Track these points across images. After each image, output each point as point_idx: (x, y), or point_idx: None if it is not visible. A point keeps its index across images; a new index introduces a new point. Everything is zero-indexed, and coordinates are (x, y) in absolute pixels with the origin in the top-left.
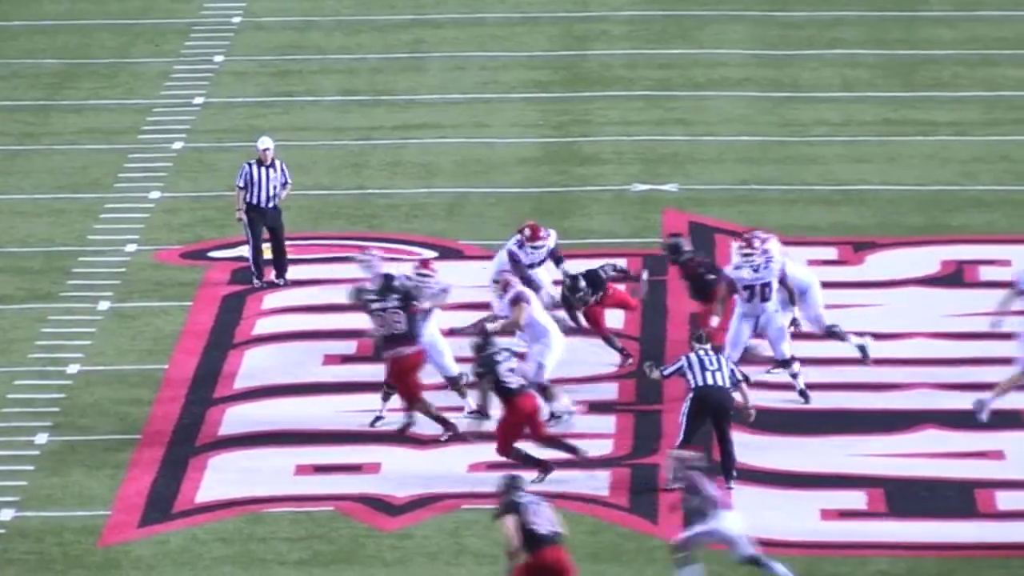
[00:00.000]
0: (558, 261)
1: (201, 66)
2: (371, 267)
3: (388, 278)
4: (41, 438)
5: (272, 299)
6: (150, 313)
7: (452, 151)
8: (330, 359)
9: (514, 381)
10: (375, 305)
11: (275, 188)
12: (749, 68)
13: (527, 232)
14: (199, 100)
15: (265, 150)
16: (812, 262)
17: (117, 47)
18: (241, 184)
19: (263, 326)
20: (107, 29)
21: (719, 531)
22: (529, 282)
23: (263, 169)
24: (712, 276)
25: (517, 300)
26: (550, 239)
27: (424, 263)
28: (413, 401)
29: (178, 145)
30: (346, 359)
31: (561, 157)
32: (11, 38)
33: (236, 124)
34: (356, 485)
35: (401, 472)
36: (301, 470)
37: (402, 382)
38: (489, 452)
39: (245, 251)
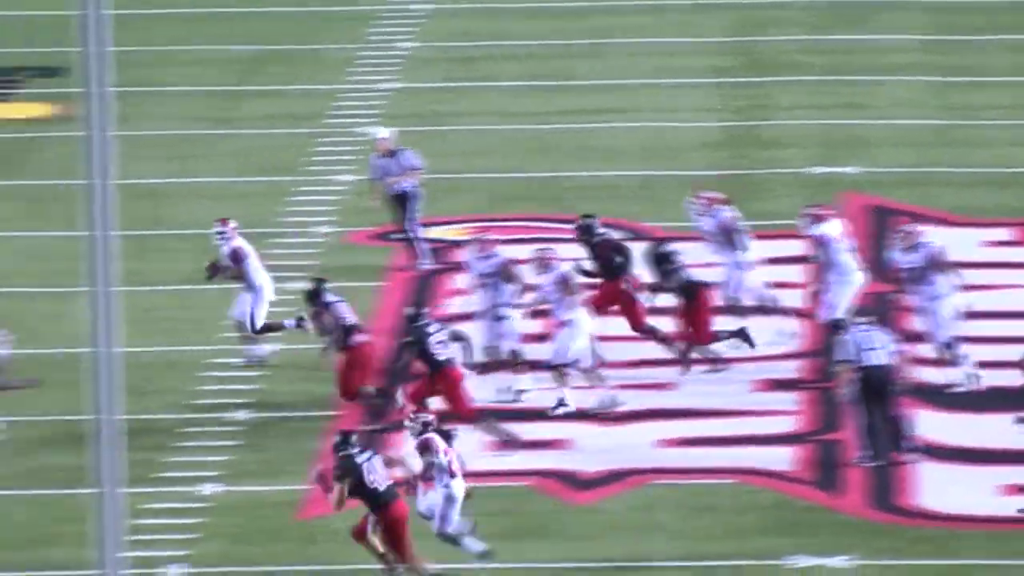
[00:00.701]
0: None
1: (387, 52)
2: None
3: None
4: (241, 415)
5: (463, 279)
6: (343, 293)
7: (636, 135)
8: (523, 337)
9: (443, 354)
10: None
11: (399, 175)
12: (921, 53)
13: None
14: (386, 85)
15: (382, 139)
16: (986, 243)
17: (304, 33)
18: (373, 176)
19: (455, 305)
20: (295, 16)
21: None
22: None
23: (385, 159)
24: (621, 259)
25: (566, 281)
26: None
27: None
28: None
29: (368, 129)
30: (534, 337)
31: (741, 141)
32: (202, 24)
33: (422, 109)
34: (548, 461)
35: (591, 448)
36: (495, 446)
37: None
38: (678, 428)
39: (433, 232)
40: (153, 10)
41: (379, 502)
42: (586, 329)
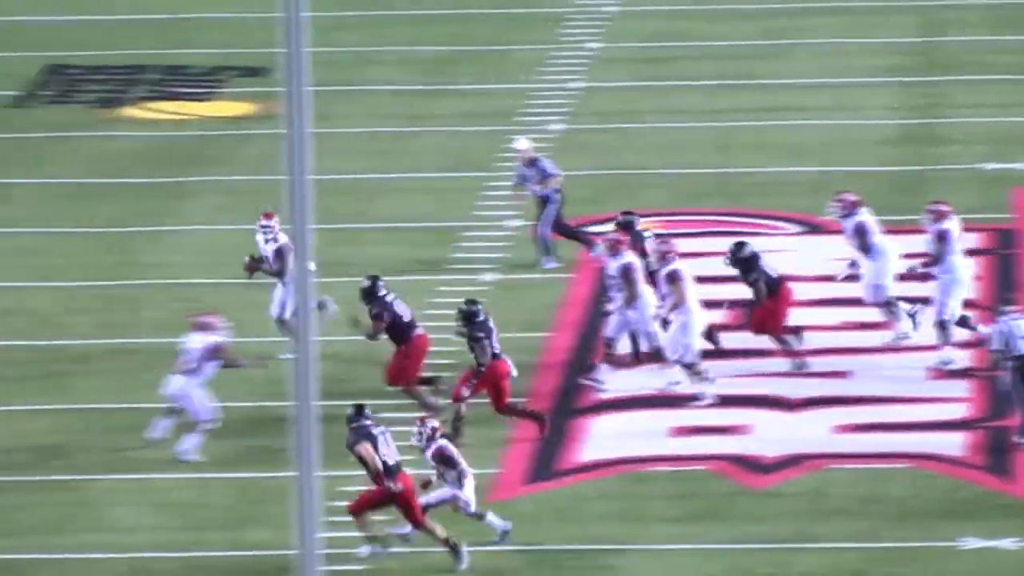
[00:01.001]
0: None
1: (576, 52)
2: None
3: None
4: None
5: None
6: (532, 285)
7: (817, 132)
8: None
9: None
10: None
11: (533, 181)
12: None
13: None
14: (575, 84)
15: (522, 150)
16: None
17: (496, 34)
18: (516, 183)
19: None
20: (487, 18)
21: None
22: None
23: (526, 168)
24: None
25: (675, 278)
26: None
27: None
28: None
29: (556, 127)
30: (719, 327)
31: (918, 138)
32: (396, 26)
33: (609, 107)
34: (727, 446)
35: (770, 433)
36: (675, 431)
37: None
38: (854, 414)
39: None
40: (351, 12)
41: (387, 476)
42: (696, 323)
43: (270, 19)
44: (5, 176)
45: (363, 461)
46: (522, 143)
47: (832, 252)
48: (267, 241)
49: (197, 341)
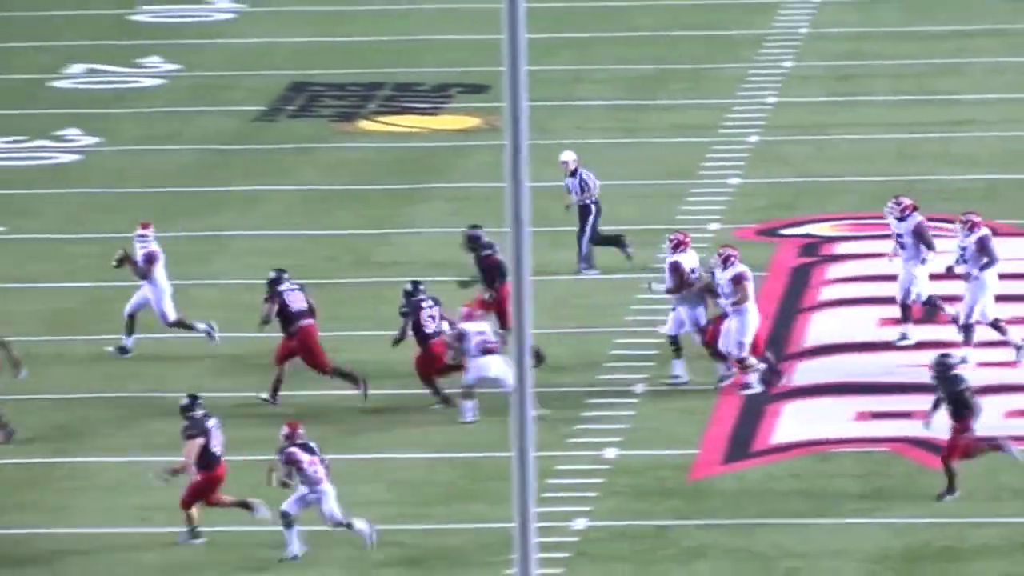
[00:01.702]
0: None
1: (772, 71)
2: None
3: None
4: (639, 388)
5: (834, 270)
6: None
7: (984, 144)
8: (885, 321)
9: (431, 327)
10: None
11: (576, 192)
12: None
13: None
14: (771, 100)
15: (566, 162)
16: None
17: (701, 54)
18: (565, 191)
19: (827, 293)
20: (689, 39)
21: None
22: None
23: (568, 179)
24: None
25: (741, 279)
26: None
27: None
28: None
29: (754, 139)
30: (896, 321)
31: None
32: (607, 46)
33: (802, 120)
34: (907, 429)
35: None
36: (861, 416)
37: None
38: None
39: (809, 229)
40: (566, 34)
41: (212, 462)
42: (753, 323)
43: (493, 40)
44: (254, 183)
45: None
46: (567, 155)
47: (1005, 252)
48: (142, 248)
49: (477, 327)
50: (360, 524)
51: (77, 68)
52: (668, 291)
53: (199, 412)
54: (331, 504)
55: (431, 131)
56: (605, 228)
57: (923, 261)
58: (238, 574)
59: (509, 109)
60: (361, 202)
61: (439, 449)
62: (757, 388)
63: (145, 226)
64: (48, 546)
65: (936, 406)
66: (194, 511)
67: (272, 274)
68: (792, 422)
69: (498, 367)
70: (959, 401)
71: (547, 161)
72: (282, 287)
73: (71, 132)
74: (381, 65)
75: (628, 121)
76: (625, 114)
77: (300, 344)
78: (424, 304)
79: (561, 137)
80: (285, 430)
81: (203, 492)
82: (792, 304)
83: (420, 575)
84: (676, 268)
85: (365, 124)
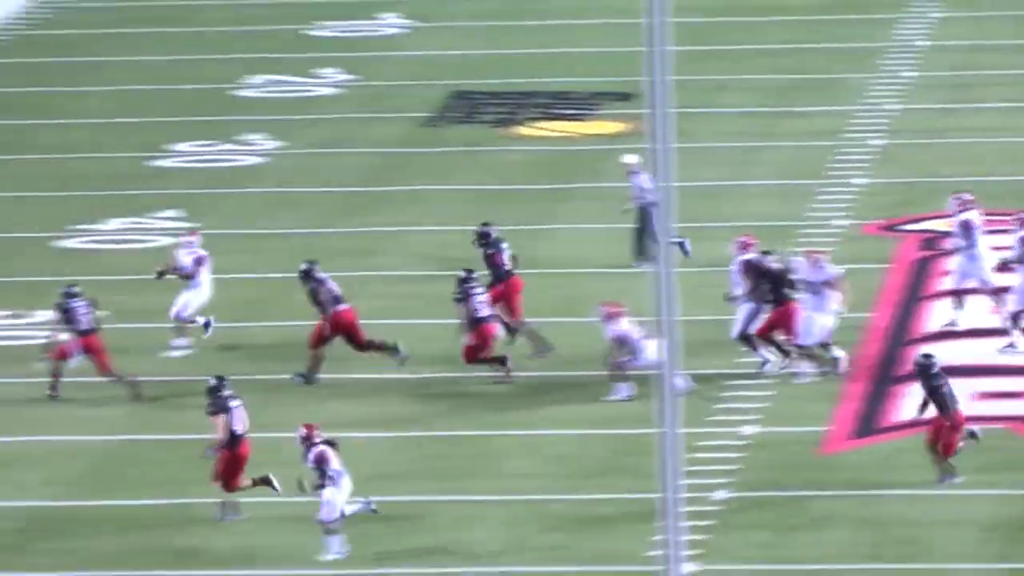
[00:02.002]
0: None
1: (894, 80)
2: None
3: None
4: (770, 368)
5: (952, 262)
6: (854, 273)
7: None
8: (996, 308)
9: (483, 311)
10: None
11: (634, 193)
12: None
13: None
14: (892, 107)
15: (626, 164)
16: None
17: (829, 65)
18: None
19: (945, 283)
20: (818, 51)
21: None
22: None
23: (630, 180)
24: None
25: (835, 283)
26: None
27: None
28: None
29: (876, 142)
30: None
31: None
32: (746, 58)
33: (923, 125)
34: (1022, 408)
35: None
36: (980, 396)
37: None
38: None
39: (929, 225)
40: (711, 47)
41: (235, 440)
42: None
43: (639, 52)
44: (421, 183)
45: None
46: (628, 158)
47: None
48: (189, 253)
49: (626, 326)
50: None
51: (260, 79)
52: (745, 293)
53: (225, 392)
54: (343, 498)
55: (581, 135)
56: (737, 224)
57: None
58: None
59: (654, 115)
60: (518, 200)
61: (590, 426)
62: (807, 377)
63: (193, 234)
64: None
65: (925, 404)
66: (247, 481)
67: (304, 265)
68: (915, 401)
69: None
70: (939, 398)
71: (690, 163)
72: (320, 276)
73: (256, 137)
74: (536, 75)
75: (763, 126)
76: (760, 120)
77: (338, 326)
78: (475, 291)
79: (704, 141)
80: (302, 431)
81: (232, 469)
82: (914, 294)
83: (575, 541)
84: (748, 267)
85: (522, 129)
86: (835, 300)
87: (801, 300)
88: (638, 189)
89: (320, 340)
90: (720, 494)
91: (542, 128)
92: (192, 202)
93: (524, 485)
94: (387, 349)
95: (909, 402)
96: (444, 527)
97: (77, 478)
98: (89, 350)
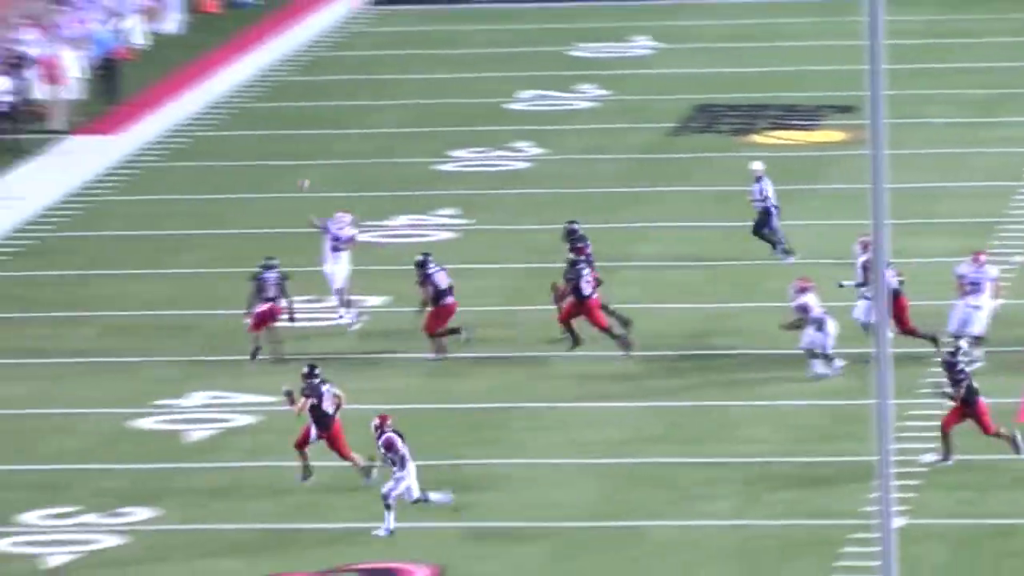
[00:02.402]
0: None
1: None
2: None
3: None
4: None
5: None
6: None
7: None
8: None
9: (588, 290)
10: None
11: (756, 197)
12: None
13: None
14: None
15: (754, 170)
16: None
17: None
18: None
19: None
20: (1017, 69)
21: None
22: None
23: (753, 185)
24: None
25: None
26: None
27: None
28: None
29: None
30: None
31: None
32: (944, 77)
33: None
34: None
35: None
36: None
37: None
38: None
39: None
40: (919, 65)
41: (324, 422)
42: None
43: (859, 70)
44: (666, 186)
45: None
46: (756, 165)
47: None
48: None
49: (811, 300)
50: (436, 495)
51: (528, 93)
52: (857, 285)
53: (315, 380)
54: (412, 482)
55: (808, 143)
56: (942, 222)
57: None
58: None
59: (871, 126)
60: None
61: (814, 397)
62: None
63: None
64: (501, 473)
65: (949, 396)
66: (355, 456)
67: (419, 257)
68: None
69: (834, 330)
70: (967, 391)
71: (902, 168)
72: (430, 269)
73: (524, 144)
74: (769, 91)
75: (966, 135)
76: (964, 130)
77: (446, 314)
78: (583, 271)
79: (914, 148)
80: (376, 421)
81: (333, 444)
82: None
83: (801, 499)
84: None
85: (756, 138)
86: (989, 297)
87: (961, 294)
88: (759, 192)
89: (437, 323)
90: (928, 457)
91: (773, 137)
92: (468, 201)
93: (752, 449)
94: (454, 332)
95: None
96: (686, 486)
97: None
98: (268, 317)
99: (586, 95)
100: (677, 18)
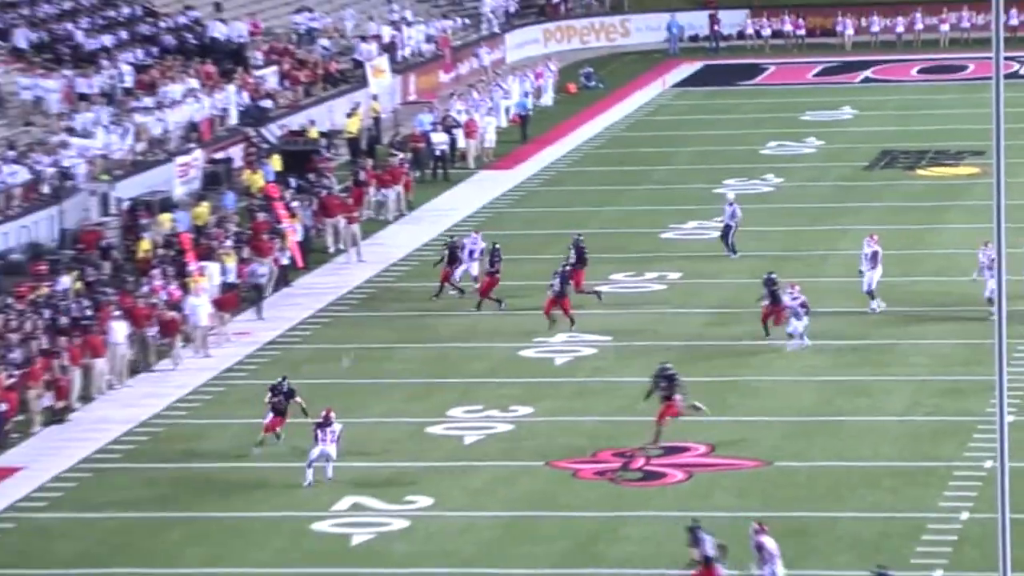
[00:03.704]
0: None
1: None
2: None
3: None
4: None
5: None
6: None
7: None
8: None
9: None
10: None
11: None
12: None
13: None
14: None
15: (727, 198)
16: None
17: None
18: None
19: None
20: None
21: None
22: None
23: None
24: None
25: None
26: None
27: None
28: None
29: None
30: None
31: None
32: None
33: None
34: None
35: None
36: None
37: None
38: None
39: None
40: None
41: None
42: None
43: (986, 129)
44: (859, 202)
45: None
46: (730, 195)
47: None
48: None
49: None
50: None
51: (773, 143)
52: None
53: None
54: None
55: (953, 175)
56: None
57: None
58: None
59: (995, 163)
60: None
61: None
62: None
63: (477, 232)
64: None
65: None
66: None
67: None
68: None
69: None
70: None
71: (1012, 192)
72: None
73: (770, 176)
74: (927, 141)
75: None
76: None
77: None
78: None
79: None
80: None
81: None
82: None
83: (919, 456)
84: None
85: (920, 171)
86: None
87: None
88: (731, 214)
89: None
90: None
91: (931, 171)
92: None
93: (916, 371)
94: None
95: None
96: (847, 436)
97: None
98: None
99: (810, 144)
100: (869, 95)
